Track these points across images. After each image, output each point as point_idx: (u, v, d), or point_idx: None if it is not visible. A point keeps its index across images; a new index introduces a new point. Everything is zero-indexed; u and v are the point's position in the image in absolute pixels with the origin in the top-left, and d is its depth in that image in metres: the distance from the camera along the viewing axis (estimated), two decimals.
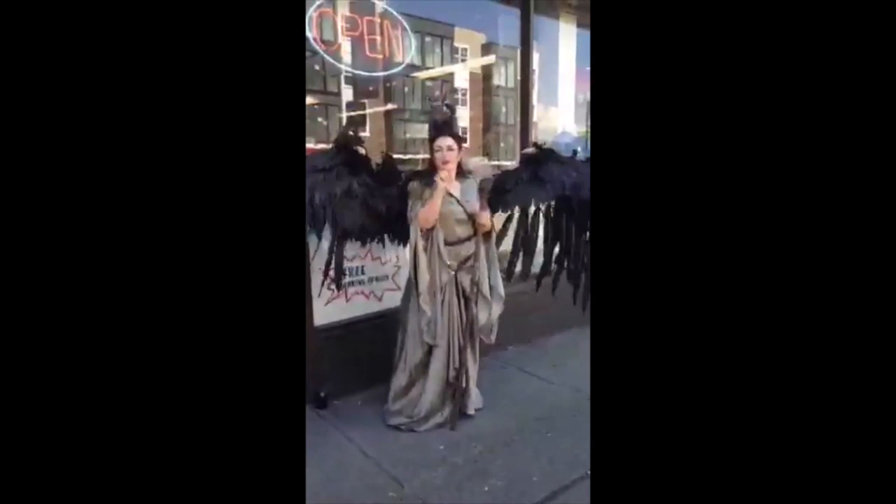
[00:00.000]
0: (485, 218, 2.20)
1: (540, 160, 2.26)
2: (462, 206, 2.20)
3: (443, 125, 2.19)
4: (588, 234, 2.27)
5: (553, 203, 2.26)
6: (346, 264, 2.56)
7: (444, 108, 2.24)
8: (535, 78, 3.60)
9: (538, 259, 2.43)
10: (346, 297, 2.63)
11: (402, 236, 2.39)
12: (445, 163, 2.15)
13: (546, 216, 2.34)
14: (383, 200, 2.20)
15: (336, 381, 2.44)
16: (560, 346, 3.30)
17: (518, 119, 3.51)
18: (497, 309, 2.33)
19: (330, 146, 2.16)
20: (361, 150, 2.19)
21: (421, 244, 2.17)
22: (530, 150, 2.39)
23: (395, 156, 3.21)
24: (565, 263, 2.36)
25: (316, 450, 2.11)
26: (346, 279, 2.62)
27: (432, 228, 2.18)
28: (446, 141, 2.17)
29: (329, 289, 2.52)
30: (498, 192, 2.23)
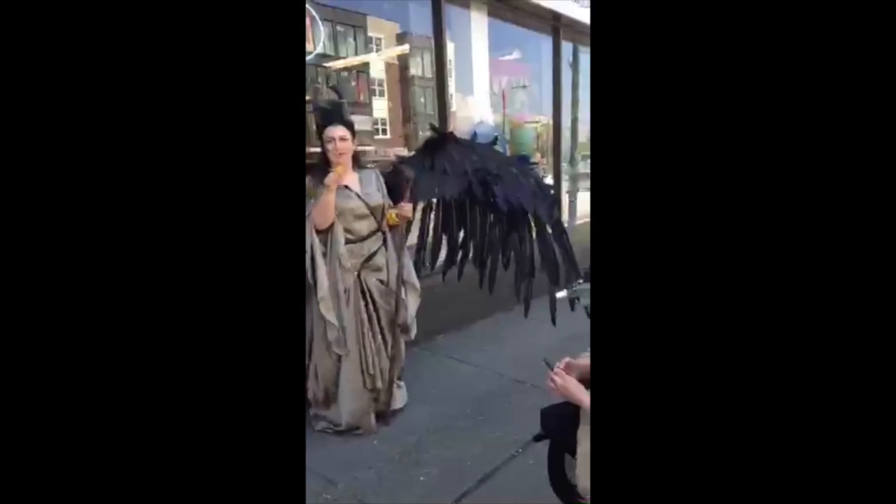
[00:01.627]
0: (407, 210, 2.10)
1: (440, 145, 2.21)
2: (363, 201, 2.06)
3: (331, 112, 2.00)
4: (492, 216, 2.23)
5: (462, 190, 2.19)
6: None
7: (331, 92, 2.07)
8: (451, 68, 3.61)
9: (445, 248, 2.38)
10: None
11: None
12: (340, 155, 1.98)
13: (449, 204, 2.26)
14: None
15: None
16: (485, 331, 3.38)
17: (436, 109, 3.52)
18: (413, 304, 2.24)
19: None
20: None
21: (318, 247, 2.00)
22: (430, 134, 2.33)
23: (311, 149, 3.11)
24: (471, 249, 2.30)
25: None
26: None
27: (330, 228, 2.00)
28: (337, 131, 1.98)
29: None
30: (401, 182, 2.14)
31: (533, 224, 2.21)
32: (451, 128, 3.41)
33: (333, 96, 2.09)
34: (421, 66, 4.10)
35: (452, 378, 2.72)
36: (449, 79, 3.50)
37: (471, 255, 2.31)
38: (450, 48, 3.51)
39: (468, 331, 3.38)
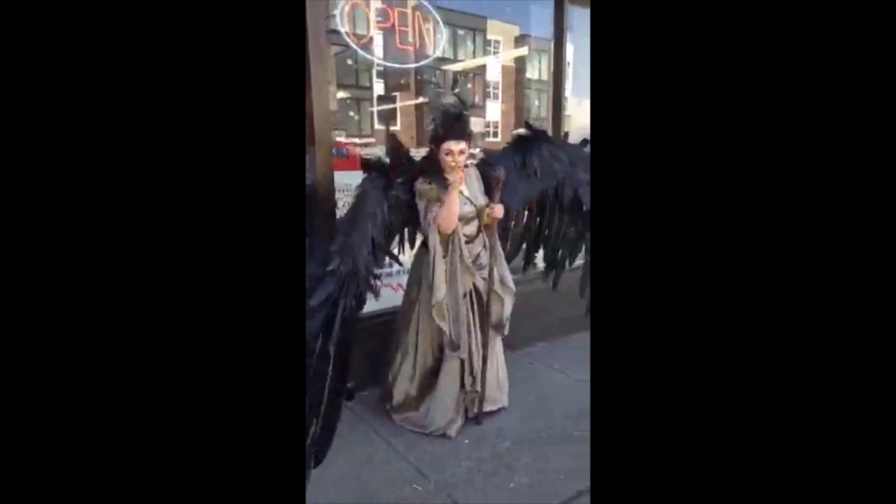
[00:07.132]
0: (499, 211, 2.07)
1: (533, 144, 2.22)
2: (473, 204, 2.06)
3: (455, 124, 1.91)
4: (568, 217, 2.32)
5: (548, 191, 2.26)
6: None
7: (454, 100, 1.93)
8: (569, 70, 3.52)
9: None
10: None
11: (412, 241, 2.21)
12: (456, 168, 1.94)
13: (535, 204, 2.32)
14: (398, 209, 1.99)
15: (363, 373, 2.45)
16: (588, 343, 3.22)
17: (550, 112, 3.45)
18: (509, 302, 2.19)
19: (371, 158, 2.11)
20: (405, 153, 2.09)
21: (440, 250, 2.00)
22: (521, 130, 2.32)
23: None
24: (559, 254, 2.37)
25: (342, 441, 2.12)
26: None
27: (453, 232, 2.00)
28: (460, 145, 1.93)
29: None
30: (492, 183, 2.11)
31: None
32: (564, 131, 3.32)
33: (453, 100, 1.96)
34: (538, 69, 4.05)
35: (551, 388, 2.64)
36: (566, 81, 3.41)
37: (541, 252, 2.38)
38: (569, 50, 3.42)
39: (571, 340, 3.26)
